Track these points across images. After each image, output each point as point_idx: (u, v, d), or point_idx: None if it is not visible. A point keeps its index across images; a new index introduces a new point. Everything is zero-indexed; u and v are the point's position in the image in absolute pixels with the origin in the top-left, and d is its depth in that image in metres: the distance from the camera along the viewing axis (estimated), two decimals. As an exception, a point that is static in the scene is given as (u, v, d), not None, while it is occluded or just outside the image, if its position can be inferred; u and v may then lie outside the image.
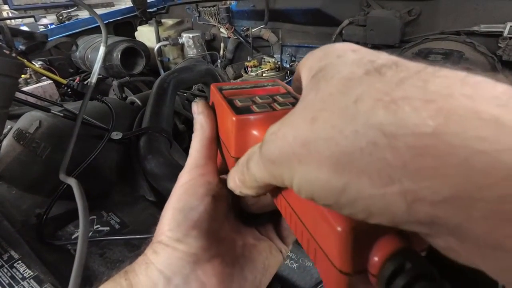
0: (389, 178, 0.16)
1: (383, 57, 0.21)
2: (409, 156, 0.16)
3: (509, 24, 1.36)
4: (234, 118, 0.34)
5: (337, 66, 0.22)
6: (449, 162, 0.15)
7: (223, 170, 0.41)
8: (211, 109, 0.41)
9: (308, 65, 0.26)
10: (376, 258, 0.21)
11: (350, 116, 0.18)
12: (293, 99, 0.38)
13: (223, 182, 0.39)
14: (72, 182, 0.92)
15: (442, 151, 0.15)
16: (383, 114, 0.17)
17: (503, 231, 0.14)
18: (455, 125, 0.15)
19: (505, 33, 1.37)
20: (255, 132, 0.34)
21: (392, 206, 0.17)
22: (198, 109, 0.41)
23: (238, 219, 0.40)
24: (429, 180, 0.15)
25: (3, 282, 0.84)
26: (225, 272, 0.35)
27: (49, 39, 1.23)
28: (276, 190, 0.30)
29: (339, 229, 0.22)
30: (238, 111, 0.35)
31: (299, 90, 0.30)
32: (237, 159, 0.35)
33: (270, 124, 0.33)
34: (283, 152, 0.22)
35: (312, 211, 0.25)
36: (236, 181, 0.31)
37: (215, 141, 0.40)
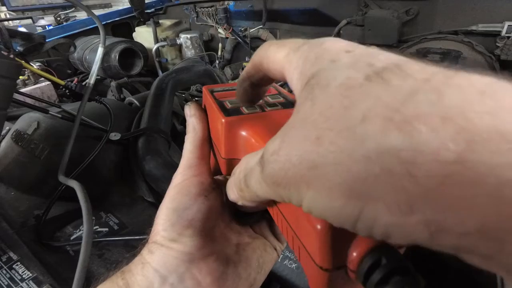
0: (409, 207, 0.15)
1: (381, 57, 0.19)
2: (430, 185, 0.14)
3: (507, 24, 1.36)
4: (223, 120, 0.34)
5: (332, 71, 0.20)
6: (477, 192, 0.13)
7: (216, 170, 0.41)
8: (203, 111, 0.42)
9: (299, 70, 0.23)
10: (354, 254, 0.22)
11: (359, 139, 0.17)
12: (283, 99, 0.39)
13: (217, 182, 0.40)
14: (74, 184, 0.92)
15: (468, 180, 0.14)
16: (396, 137, 0.15)
17: None
18: (480, 150, 0.14)
19: (503, 33, 1.37)
20: (244, 133, 0.34)
21: (414, 234, 0.16)
22: (190, 112, 0.42)
23: (233, 217, 0.40)
24: (455, 211, 0.14)
25: (2, 284, 0.84)
26: (219, 270, 0.35)
27: (47, 40, 1.24)
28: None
29: (318, 227, 0.22)
30: (227, 112, 0.35)
31: (262, 81, 0.29)
32: (227, 160, 0.36)
33: (259, 124, 0.34)
34: (289, 175, 0.21)
35: (295, 210, 0.25)
36: (236, 194, 0.31)
37: (208, 142, 0.41)
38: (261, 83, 0.30)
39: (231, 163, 0.35)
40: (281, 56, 0.26)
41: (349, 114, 0.17)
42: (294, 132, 0.21)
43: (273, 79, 0.30)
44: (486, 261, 0.15)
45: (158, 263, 0.35)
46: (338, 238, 0.20)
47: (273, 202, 0.30)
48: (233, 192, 0.31)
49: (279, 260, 0.85)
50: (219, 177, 0.42)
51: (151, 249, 0.36)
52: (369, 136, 0.16)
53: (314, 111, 0.20)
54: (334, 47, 0.22)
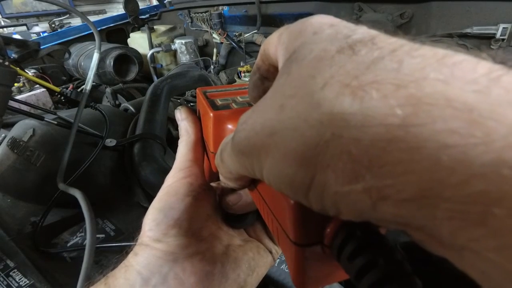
0: (353, 174, 0.15)
1: (360, 31, 0.19)
2: (374, 150, 0.14)
3: (501, 26, 1.36)
4: (211, 114, 0.35)
5: (311, 45, 0.20)
6: (415, 157, 0.13)
7: (210, 174, 0.42)
8: (195, 114, 0.42)
9: (284, 45, 0.23)
10: (329, 229, 0.22)
11: (315, 104, 0.17)
12: None
13: (208, 185, 0.40)
14: (76, 192, 0.92)
15: (409, 145, 0.13)
16: (349, 102, 0.15)
17: (468, 234, 0.13)
18: (424, 115, 0.13)
19: (498, 35, 1.37)
20: (231, 127, 0.35)
21: (358, 205, 0.15)
22: (181, 116, 0.42)
23: (224, 221, 0.40)
24: (394, 178, 0.14)
25: (-1, 292, 0.84)
26: (205, 270, 0.35)
27: (41, 47, 1.24)
28: (251, 181, 0.30)
29: (291, 202, 0.22)
30: (216, 108, 0.36)
31: (269, 73, 0.28)
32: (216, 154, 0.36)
33: None
34: (251, 143, 0.21)
35: (273, 190, 0.25)
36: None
37: (201, 144, 0.41)
38: (269, 75, 0.29)
39: None
40: (276, 37, 0.25)
41: (312, 82, 0.18)
42: (264, 102, 0.21)
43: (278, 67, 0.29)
44: (421, 234, 0.15)
45: (141, 264, 0.35)
46: (311, 212, 0.19)
47: (252, 185, 0.30)
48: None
49: (275, 265, 0.85)
50: (214, 184, 0.42)
51: (136, 251, 0.36)
52: (324, 101, 0.16)
53: (286, 83, 0.20)
54: (319, 21, 0.23)
